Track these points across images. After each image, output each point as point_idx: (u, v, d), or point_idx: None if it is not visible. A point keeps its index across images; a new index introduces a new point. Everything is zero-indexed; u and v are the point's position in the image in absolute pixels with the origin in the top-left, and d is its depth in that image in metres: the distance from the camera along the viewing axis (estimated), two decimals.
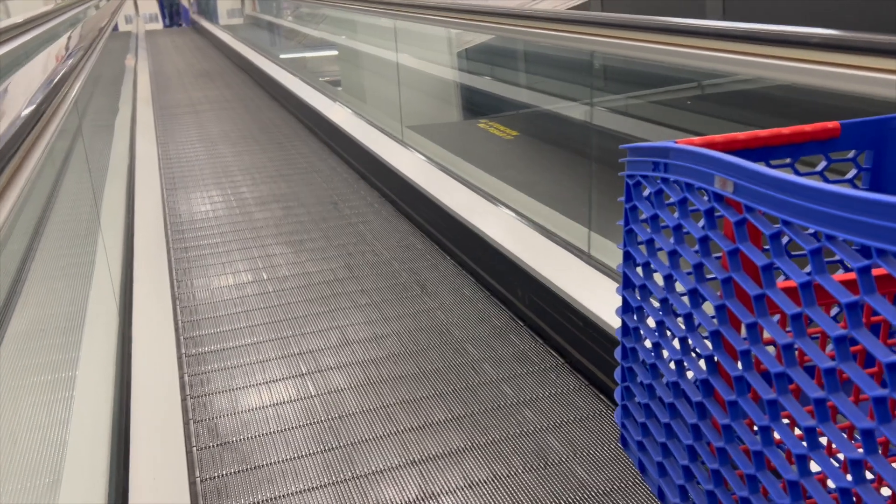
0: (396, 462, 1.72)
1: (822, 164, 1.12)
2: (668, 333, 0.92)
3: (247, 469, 1.73)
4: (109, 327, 2.24)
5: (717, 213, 0.78)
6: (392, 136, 4.09)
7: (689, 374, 0.86)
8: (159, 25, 18.23)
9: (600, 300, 2.03)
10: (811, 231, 0.62)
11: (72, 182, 2.44)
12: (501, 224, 2.70)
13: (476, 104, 5.50)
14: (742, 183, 0.71)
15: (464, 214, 2.83)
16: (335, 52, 6.99)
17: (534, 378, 2.07)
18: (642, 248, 0.95)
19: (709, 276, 0.84)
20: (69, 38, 3.37)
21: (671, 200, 0.86)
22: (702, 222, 0.80)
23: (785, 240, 0.77)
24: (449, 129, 4.97)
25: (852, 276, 0.62)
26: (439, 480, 1.64)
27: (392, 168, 3.63)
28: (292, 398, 2.02)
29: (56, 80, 1.79)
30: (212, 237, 3.34)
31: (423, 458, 1.73)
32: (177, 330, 2.44)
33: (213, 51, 11.45)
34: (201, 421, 1.93)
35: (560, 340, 2.19)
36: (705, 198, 0.78)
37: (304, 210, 3.65)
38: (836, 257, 1.00)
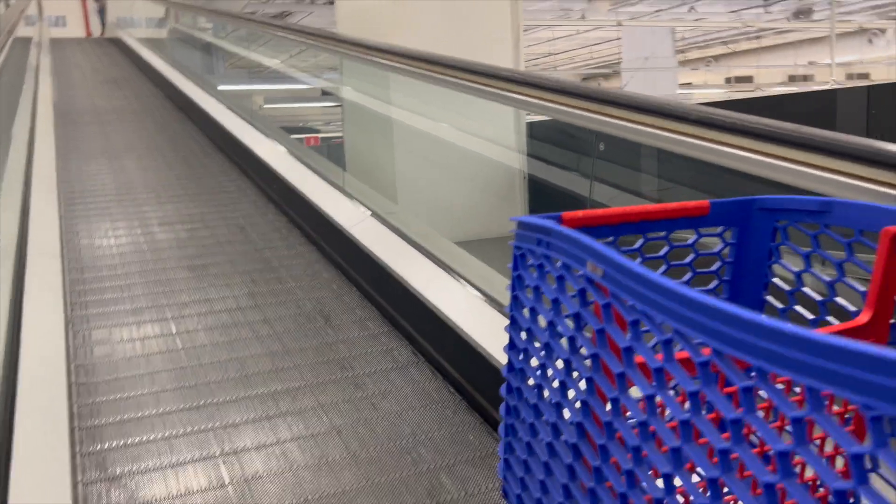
0: (290, 501, 1.72)
1: (694, 237, 1.23)
2: (546, 395, 0.99)
3: None
4: None
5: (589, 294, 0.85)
6: None
7: (563, 437, 0.93)
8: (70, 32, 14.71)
9: (499, 340, 2.10)
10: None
11: None
12: (407, 259, 2.75)
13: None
14: (609, 271, 0.79)
15: (373, 248, 2.87)
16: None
17: (431, 415, 2.12)
18: (525, 312, 1.02)
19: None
20: None
21: (551, 275, 0.93)
22: (577, 299, 0.87)
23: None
24: None
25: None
26: None
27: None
28: (186, 432, 1.99)
29: None
30: (110, 258, 3.25)
31: (318, 497, 1.74)
32: (68, 357, 2.36)
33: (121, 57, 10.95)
34: (88, 454, 1.88)
35: (458, 377, 2.25)
36: (580, 275, 0.86)
37: (210, 233, 3.60)
38: None
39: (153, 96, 7.20)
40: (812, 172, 1.32)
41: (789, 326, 0.55)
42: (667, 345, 0.71)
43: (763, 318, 0.57)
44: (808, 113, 5.29)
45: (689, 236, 1.21)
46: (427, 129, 3.78)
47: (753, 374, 0.60)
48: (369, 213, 3.22)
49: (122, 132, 5.77)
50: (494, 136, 3.54)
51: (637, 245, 1.19)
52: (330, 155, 5.45)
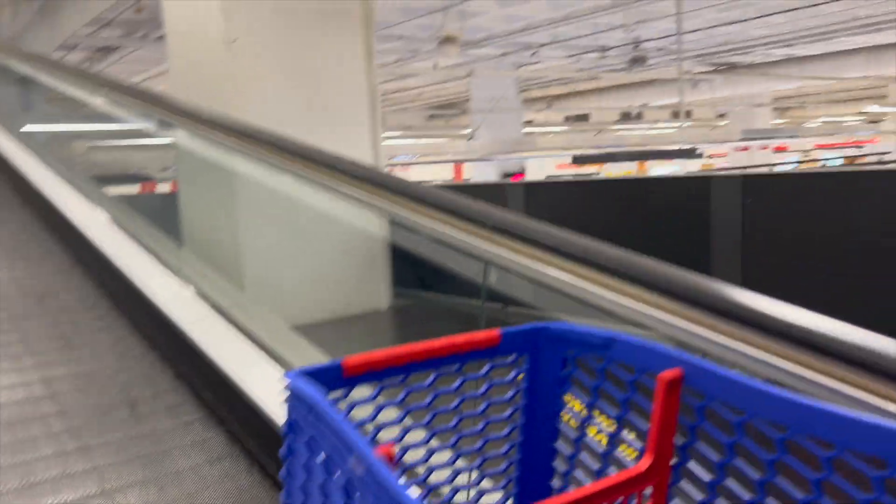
0: None
1: (486, 367, 1.20)
2: None
3: None
4: None
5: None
6: None
7: None
8: None
9: None
10: None
11: None
12: (226, 342, 2.59)
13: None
14: (366, 471, 0.72)
15: (190, 330, 2.68)
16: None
17: None
18: (297, 487, 0.93)
19: None
20: None
21: (318, 456, 0.86)
22: (343, 485, 0.80)
23: None
24: None
25: None
26: None
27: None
28: None
29: None
30: None
31: None
32: None
33: None
34: None
35: (276, 472, 2.12)
36: (345, 468, 0.79)
37: (2, 306, 3.22)
38: None
39: None
40: (598, 292, 1.34)
41: None
42: None
43: None
44: (682, 199, 5.39)
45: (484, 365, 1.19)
46: (280, 189, 3.61)
47: None
48: (193, 289, 3.01)
49: None
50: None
51: (428, 382, 1.15)
52: (163, 207, 5.08)
